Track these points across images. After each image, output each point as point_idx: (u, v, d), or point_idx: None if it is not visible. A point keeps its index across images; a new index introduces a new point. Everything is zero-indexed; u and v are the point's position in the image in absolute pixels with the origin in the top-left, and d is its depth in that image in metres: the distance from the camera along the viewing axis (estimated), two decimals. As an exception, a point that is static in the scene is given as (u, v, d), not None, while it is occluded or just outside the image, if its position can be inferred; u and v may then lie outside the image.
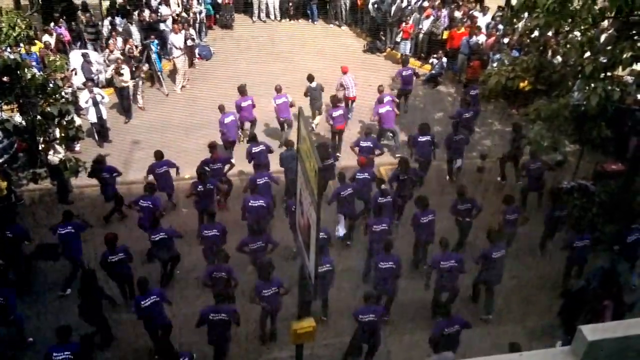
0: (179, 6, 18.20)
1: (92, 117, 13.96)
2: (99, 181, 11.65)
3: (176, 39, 16.42)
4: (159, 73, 16.63)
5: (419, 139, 12.70)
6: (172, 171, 11.98)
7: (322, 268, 9.38)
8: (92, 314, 9.19)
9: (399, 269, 9.73)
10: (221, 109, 13.31)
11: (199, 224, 11.32)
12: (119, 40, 16.32)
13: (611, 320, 8.53)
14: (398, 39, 18.53)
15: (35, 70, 10.83)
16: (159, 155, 11.86)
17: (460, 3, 18.64)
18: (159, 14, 17.59)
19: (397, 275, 9.76)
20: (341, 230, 11.84)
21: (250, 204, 10.93)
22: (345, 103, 14.79)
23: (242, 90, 13.86)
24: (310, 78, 14.51)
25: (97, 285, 9.37)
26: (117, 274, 9.89)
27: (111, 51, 15.61)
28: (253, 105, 14.01)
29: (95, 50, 16.81)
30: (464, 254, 10.53)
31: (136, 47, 16.22)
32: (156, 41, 16.64)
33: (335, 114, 13.63)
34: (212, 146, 12.09)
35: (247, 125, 14.24)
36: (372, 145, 12.70)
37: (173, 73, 17.16)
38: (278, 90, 13.94)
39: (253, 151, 12.29)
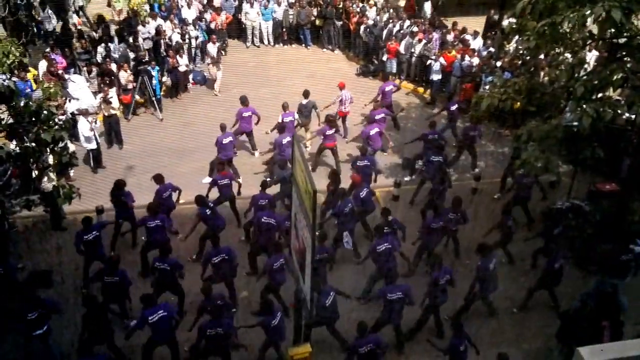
0: (172, 31, 18.34)
1: (93, 145, 14.01)
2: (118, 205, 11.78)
3: (211, 49, 17.91)
4: (155, 99, 16.67)
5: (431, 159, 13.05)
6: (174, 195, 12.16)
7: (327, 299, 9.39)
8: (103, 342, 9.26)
9: (409, 298, 9.67)
10: (222, 128, 13.54)
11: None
12: (113, 66, 16.47)
13: (609, 341, 8.50)
14: (384, 58, 18.72)
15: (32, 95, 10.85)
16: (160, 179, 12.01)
17: (449, 27, 18.90)
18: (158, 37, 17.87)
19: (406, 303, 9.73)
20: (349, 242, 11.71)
21: (263, 220, 10.87)
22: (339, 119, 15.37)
23: (243, 101, 14.31)
24: (305, 94, 14.75)
25: (104, 314, 9.46)
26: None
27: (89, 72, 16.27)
28: (254, 116, 14.41)
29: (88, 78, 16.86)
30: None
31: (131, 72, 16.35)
32: (157, 67, 16.75)
33: (328, 132, 13.89)
34: (220, 164, 12.62)
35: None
36: (369, 164, 12.85)
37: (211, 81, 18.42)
38: (285, 107, 14.28)
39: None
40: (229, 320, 9.23)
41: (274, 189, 12.11)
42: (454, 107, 15.16)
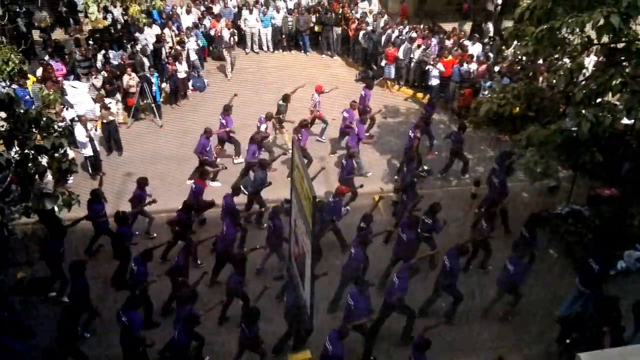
0: (172, 38, 18.41)
1: (89, 151, 13.99)
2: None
3: (225, 34, 19.05)
4: (154, 105, 16.69)
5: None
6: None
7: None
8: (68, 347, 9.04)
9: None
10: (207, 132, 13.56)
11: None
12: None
13: (610, 346, 8.47)
14: (382, 64, 18.80)
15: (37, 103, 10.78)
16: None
17: (449, 32, 18.97)
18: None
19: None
20: None
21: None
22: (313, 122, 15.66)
23: (225, 109, 14.39)
24: (284, 98, 15.16)
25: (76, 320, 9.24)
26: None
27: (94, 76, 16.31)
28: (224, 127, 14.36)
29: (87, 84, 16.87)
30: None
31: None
32: (156, 74, 16.80)
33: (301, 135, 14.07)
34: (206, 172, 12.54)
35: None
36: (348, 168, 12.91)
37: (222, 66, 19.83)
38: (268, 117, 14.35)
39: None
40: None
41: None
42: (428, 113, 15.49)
